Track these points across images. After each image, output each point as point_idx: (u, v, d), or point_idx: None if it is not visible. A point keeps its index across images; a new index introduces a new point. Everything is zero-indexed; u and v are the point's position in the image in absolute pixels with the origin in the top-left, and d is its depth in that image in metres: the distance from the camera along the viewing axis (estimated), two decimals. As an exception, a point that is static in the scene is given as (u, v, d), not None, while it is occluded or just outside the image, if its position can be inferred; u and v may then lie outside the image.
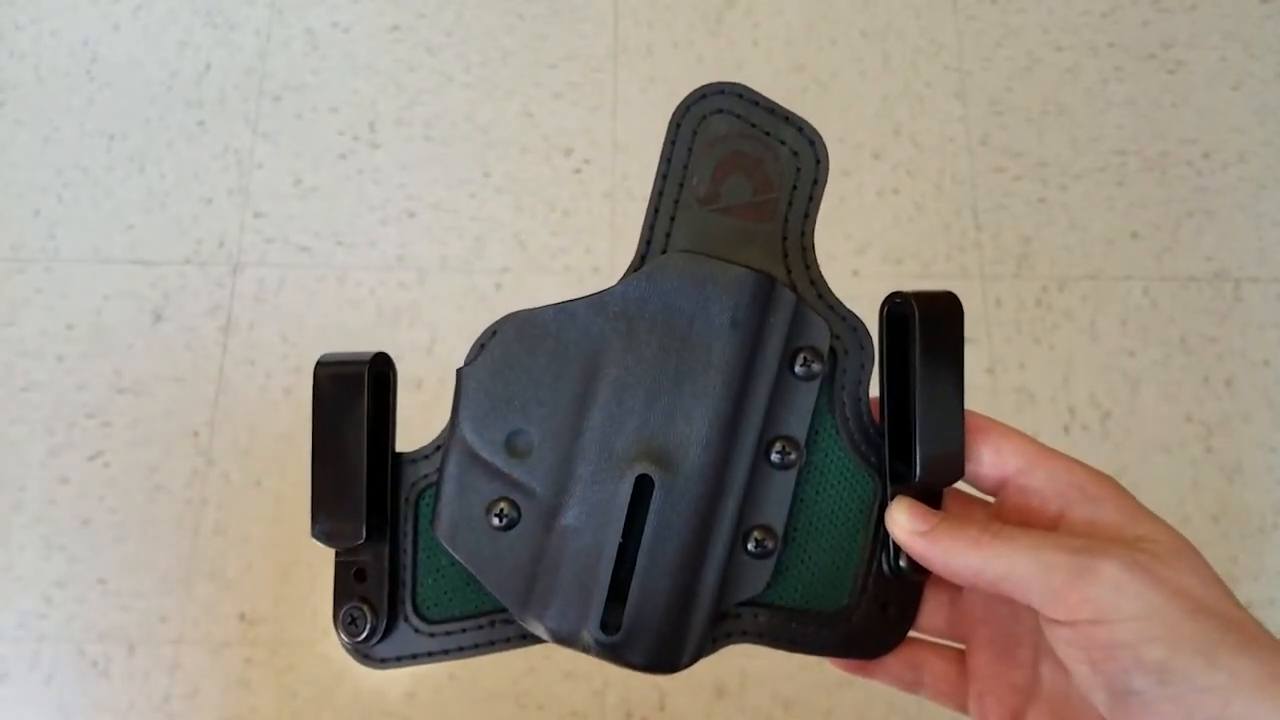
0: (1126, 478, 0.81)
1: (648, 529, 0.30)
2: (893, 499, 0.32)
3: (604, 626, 0.30)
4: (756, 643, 0.32)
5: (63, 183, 0.87)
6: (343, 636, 0.31)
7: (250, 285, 0.84)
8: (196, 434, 0.80)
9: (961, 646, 0.33)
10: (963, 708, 0.33)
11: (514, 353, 0.31)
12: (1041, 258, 0.86)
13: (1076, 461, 0.31)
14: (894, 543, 0.32)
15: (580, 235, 0.86)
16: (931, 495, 0.32)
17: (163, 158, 0.89)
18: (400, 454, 0.32)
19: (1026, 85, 0.92)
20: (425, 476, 0.32)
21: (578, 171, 0.88)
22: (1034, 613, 0.31)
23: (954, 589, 0.33)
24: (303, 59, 0.92)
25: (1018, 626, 0.32)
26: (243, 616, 0.76)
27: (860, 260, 0.86)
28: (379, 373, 0.32)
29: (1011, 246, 0.87)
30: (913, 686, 0.34)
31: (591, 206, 0.87)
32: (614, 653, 0.30)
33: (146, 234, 0.86)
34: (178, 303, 0.84)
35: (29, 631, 0.75)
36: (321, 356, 0.32)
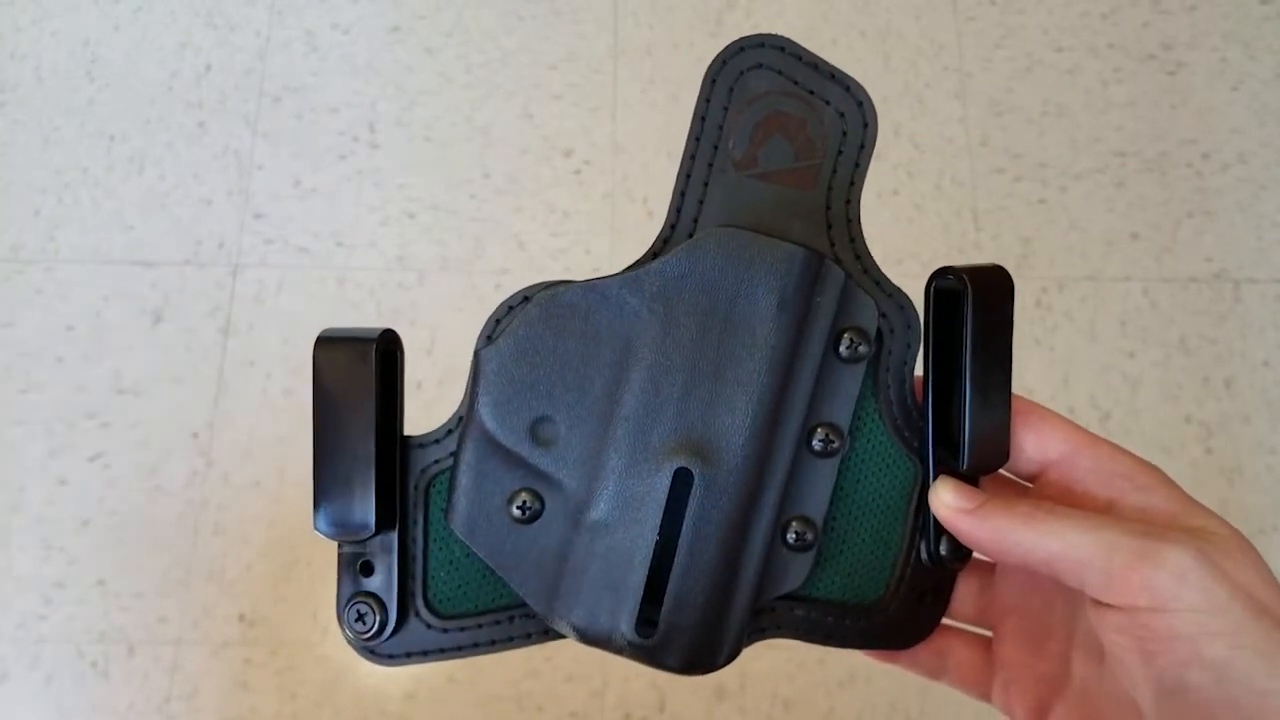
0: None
1: (686, 526, 0.28)
2: (934, 482, 0.30)
3: (638, 627, 0.28)
4: (791, 637, 0.31)
5: (62, 183, 0.87)
6: (348, 632, 0.29)
7: (250, 286, 0.84)
8: (196, 435, 0.80)
9: (989, 634, 0.32)
10: (985, 696, 0.32)
11: (539, 334, 0.29)
12: (1041, 258, 0.86)
13: (1122, 449, 0.29)
14: (934, 529, 0.30)
15: (580, 236, 0.86)
16: (971, 480, 0.30)
17: (163, 158, 0.89)
18: (408, 438, 0.30)
19: (1026, 86, 0.92)
20: (436, 462, 0.30)
21: (577, 172, 0.88)
22: (1067, 603, 0.29)
23: (985, 575, 0.32)
24: (302, 60, 0.92)
25: (1050, 616, 0.30)
26: (242, 617, 0.76)
27: (860, 261, 0.86)
28: (386, 351, 0.29)
29: (1011, 247, 0.87)
30: (936, 673, 0.32)
31: (591, 207, 0.87)
32: (649, 654, 0.28)
33: (146, 235, 0.86)
34: (177, 304, 0.84)
35: (29, 632, 0.75)
36: (323, 332, 0.29)
